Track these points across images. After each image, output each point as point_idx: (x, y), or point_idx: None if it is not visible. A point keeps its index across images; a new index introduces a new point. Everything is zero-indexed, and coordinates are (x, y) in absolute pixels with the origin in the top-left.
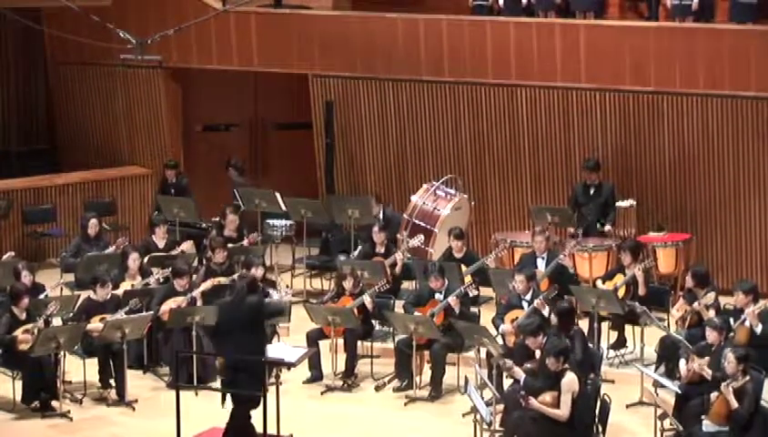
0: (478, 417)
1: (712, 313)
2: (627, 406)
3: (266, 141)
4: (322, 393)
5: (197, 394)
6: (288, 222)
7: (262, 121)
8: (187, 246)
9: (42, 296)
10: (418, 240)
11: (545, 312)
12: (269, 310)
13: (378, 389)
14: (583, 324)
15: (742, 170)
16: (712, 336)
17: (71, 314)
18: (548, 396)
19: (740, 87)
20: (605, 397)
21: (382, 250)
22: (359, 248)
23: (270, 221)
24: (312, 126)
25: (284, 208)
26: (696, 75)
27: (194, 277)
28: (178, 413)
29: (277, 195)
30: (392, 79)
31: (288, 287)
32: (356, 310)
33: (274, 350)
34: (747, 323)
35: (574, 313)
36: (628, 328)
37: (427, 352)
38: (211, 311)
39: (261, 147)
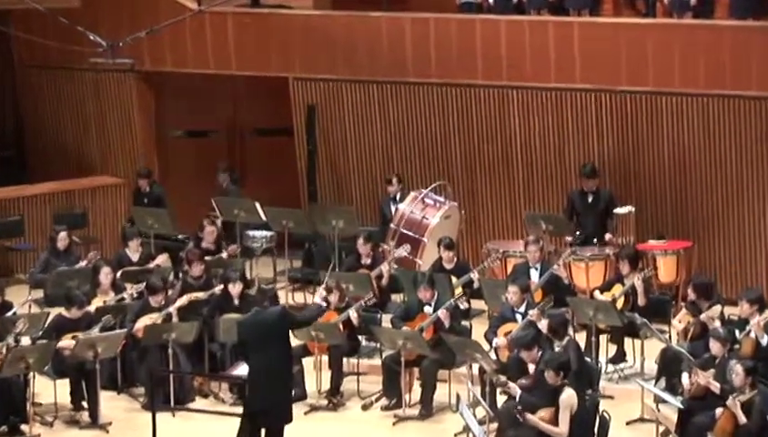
0: (471, 436)
1: (717, 324)
2: (627, 423)
3: (244, 148)
4: (306, 413)
5: (174, 416)
6: (269, 233)
7: (240, 127)
8: (163, 259)
9: (10, 314)
10: (404, 250)
11: (540, 325)
12: (297, 320)
13: (365, 408)
14: (581, 337)
15: (744, 173)
16: (716, 347)
17: (40, 332)
18: (545, 412)
19: (741, 87)
20: (604, 414)
21: (368, 262)
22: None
23: (250, 232)
24: (293, 131)
25: (264, 218)
26: (696, 73)
27: (170, 292)
28: (154, 436)
29: (257, 204)
30: (377, 82)
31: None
32: (341, 325)
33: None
34: (753, 335)
35: (567, 324)
36: (627, 341)
37: (416, 369)
38: (188, 328)
39: (240, 154)
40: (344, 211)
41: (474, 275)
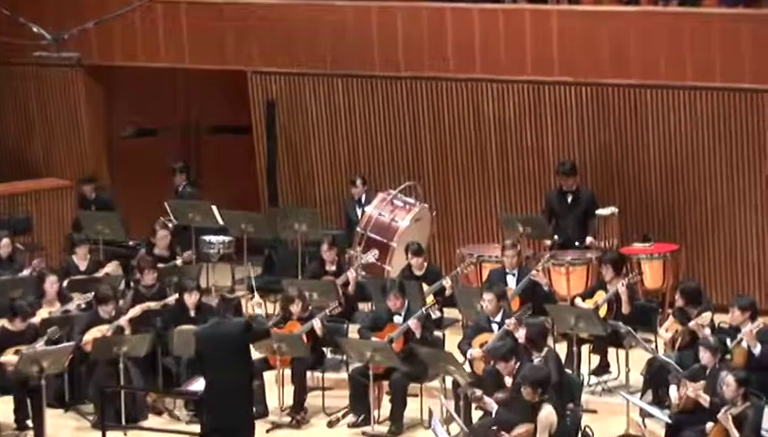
0: None
1: (707, 332)
2: None
3: (200, 147)
4: (268, 431)
5: (125, 435)
6: (227, 238)
7: (195, 125)
8: (112, 267)
9: None
10: (372, 255)
11: (518, 335)
12: (258, 332)
13: (330, 425)
14: (561, 348)
15: (736, 171)
16: (705, 357)
17: None
18: (523, 430)
19: (732, 79)
20: (587, 429)
21: (333, 268)
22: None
23: (206, 238)
24: (252, 129)
25: (221, 222)
26: (683, 65)
27: (120, 302)
28: None
29: (214, 207)
30: (342, 75)
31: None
32: (304, 337)
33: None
34: (745, 344)
35: (547, 334)
36: (611, 351)
37: (385, 383)
38: (140, 341)
39: (195, 153)
40: (307, 214)
41: (447, 282)
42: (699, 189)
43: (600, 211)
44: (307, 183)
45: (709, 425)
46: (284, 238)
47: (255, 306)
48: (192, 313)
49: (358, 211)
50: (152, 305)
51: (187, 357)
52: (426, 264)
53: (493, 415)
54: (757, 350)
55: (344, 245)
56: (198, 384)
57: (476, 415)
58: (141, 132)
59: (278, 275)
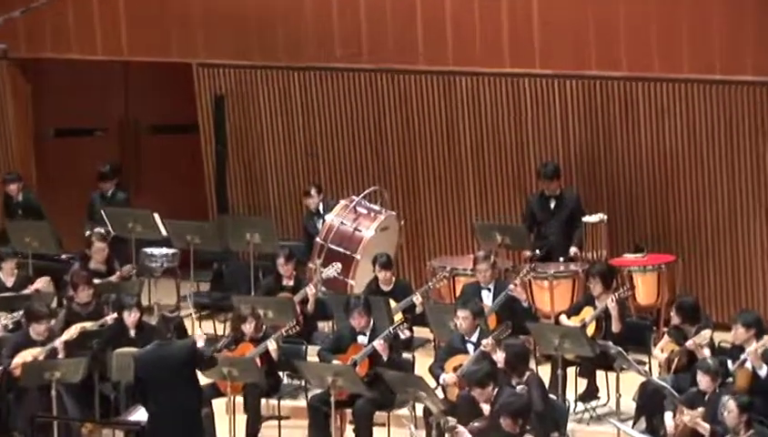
0: None
1: (707, 353)
2: None
3: (140, 148)
4: None
5: None
6: (171, 251)
7: (135, 123)
8: (43, 283)
9: None
10: (334, 270)
11: (496, 357)
12: (209, 356)
13: None
14: (544, 371)
15: (739, 173)
16: (704, 381)
17: None
18: None
19: (733, 70)
20: None
21: (291, 284)
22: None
23: (148, 250)
24: (198, 128)
25: (165, 232)
26: (679, 55)
27: (52, 322)
28: None
29: (156, 216)
30: (298, 68)
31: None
32: (258, 360)
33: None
34: (749, 365)
35: (528, 356)
36: (600, 374)
37: (349, 411)
38: (75, 365)
39: (134, 155)
40: (260, 223)
41: (417, 298)
42: (697, 193)
43: (586, 218)
44: (260, 188)
45: None
46: (235, 251)
47: (199, 339)
48: (132, 334)
49: (318, 222)
50: (88, 325)
51: (127, 383)
52: (394, 278)
53: None
54: (763, 371)
55: (303, 258)
56: (140, 414)
57: None
58: (73, 131)
59: (229, 291)
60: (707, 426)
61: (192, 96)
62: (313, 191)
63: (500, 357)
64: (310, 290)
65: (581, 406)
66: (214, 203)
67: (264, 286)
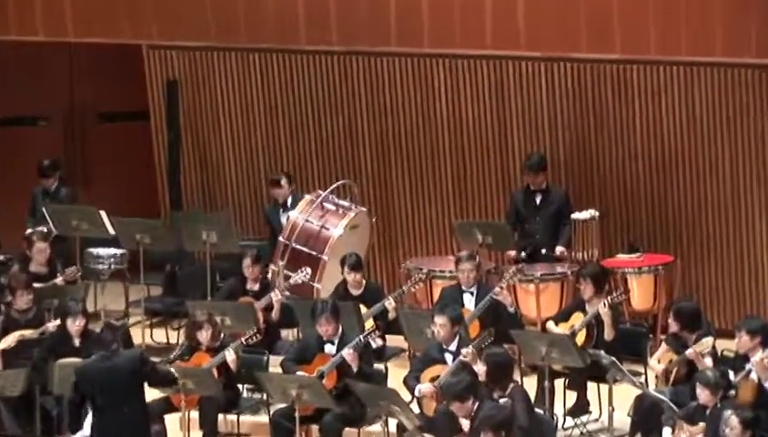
0: None
1: (708, 363)
2: None
3: (86, 138)
4: None
5: None
6: (119, 251)
7: (81, 111)
8: None
9: None
10: (303, 275)
11: (477, 368)
12: (157, 375)
13: None
14: (530, 383)
15: (742, 164)
16: (705, 395)
17: None
18: None
19: (736, 52)
20: None
21: (256, 288)
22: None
23: (93, 251)
24: (149, 116)
25: (112, 231)
26: (677, 36)
27: None
28: None
29: (103, 213)
30: (260, 49)
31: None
32: (215, 371)
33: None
34: (754, 376)
35: (512, 367)
36: (591, 386)
37: (315, 427)
38: (14, 377)
39: (80, 146)
40: (218, 221)
41: (390, 303)
42: (698, 187)
43: (576, 215)
44: (217, 182)
45: None
46: (189, 251)
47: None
48: (76, 343)
49: (284, 218)
50: (27, 333)
51: (70, 396)
52: (364, 281)
53: None
54: None
55: (265, 260)
56: (84, 430)
57: None
58: (12, 121)
59: (183, 296)
60: None
61: (143, 80)
62: (283, 181)
63: (481, 367)
64: (275, 296)
65: (570, 421)
66: (166, 198)
67: (226, 289)
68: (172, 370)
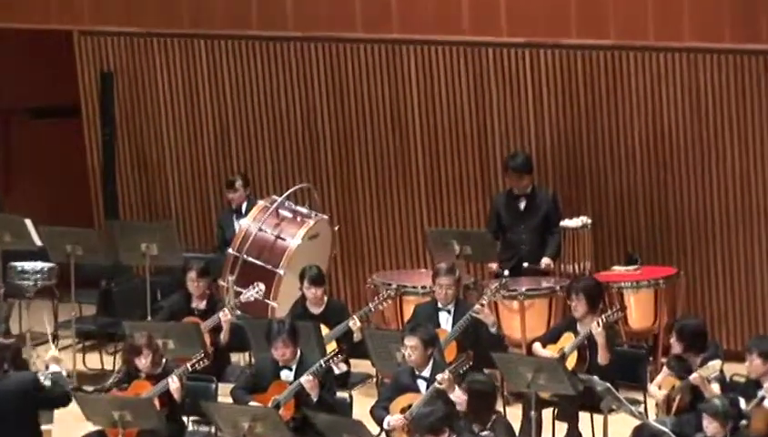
0: None
1: (716, 389)
2: None
3: (8, 137)
4: None
5: None
6: (46, 265)
7: (5, 107)
8: None
9: None
10: (256, 291)
11: (454, 396)
12: (50, 395)
13: None
14: (514, 413)
15: (753, 163)
16: (711, 426)
17: None
18: None
19: (744, 38)
20: None
21: (202, 306)
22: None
23: (18, 264)
24: (81, 112)
25: (39, 242)
26: (679, 19)
27: None
28: None
29: (28, 222)
30: (207, 36)
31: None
32: (157, 401)
33: None
34: (767, 403)
35: (494, 395)
36: (583, 416)
37: None
38: None
39: (2, 146)
40: (159, 230)
41: (355, 323)
42: (703, 190)
43: (565, 222)
44: (159, 185)
45: None
46: (126, 265)
47: (50, 361)
48: None
49: (236, 225)
50: None
51: None
52: (326, 298)
53: None
54: None
55: (215, 274)
56: None
57: None
58: None
59: (119, 316)
60: None
61: (73, 72)
62: (238, 183)
63: (459, 395)
64: (224, 315)
65: None
66: (100, 205)
67: (168, 308)
68: (69, 390)
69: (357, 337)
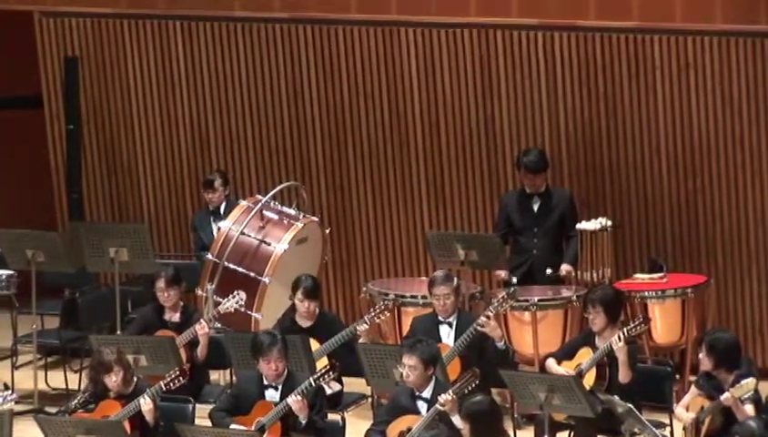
0: None
1: (750, 410)
2: None
3: None
4: None
5: None
6: (5, 273)
7: None
8: None
9: None
10: (236, 301)
11: (456, 419)
12: None
13: None
14: (525, 436)
15: None
16: None
17: None
18: None
19: None
20: None
21: (176, 318)
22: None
23: None
24: (42, 102)
25: None
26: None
27: None
28: None
29: None
30: (183, 17)
31: None
32: (127, 424)
33: None
34: None
35: (501, 418)
36: None
37: None
38: None
39: None
40: (130, 233)
41: (348, 336)
42: (735, 189)
43: (583, 225)
44: (129, 184)
45: None
46: (93, 272)
47: None
48: None
49: (215, 227)
50: None
51: None
52: (318, 310)
53: None
54: None
55: (193, 283)
56: None
57: None
58: None
59: (85, 329)
60: None
61: (34, 57)
62: (217, 182)
63: (461, 420)
64: (200, 328)
65: None
66: (64, 206)
67: (140, 319)
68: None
69: (363, 339)
